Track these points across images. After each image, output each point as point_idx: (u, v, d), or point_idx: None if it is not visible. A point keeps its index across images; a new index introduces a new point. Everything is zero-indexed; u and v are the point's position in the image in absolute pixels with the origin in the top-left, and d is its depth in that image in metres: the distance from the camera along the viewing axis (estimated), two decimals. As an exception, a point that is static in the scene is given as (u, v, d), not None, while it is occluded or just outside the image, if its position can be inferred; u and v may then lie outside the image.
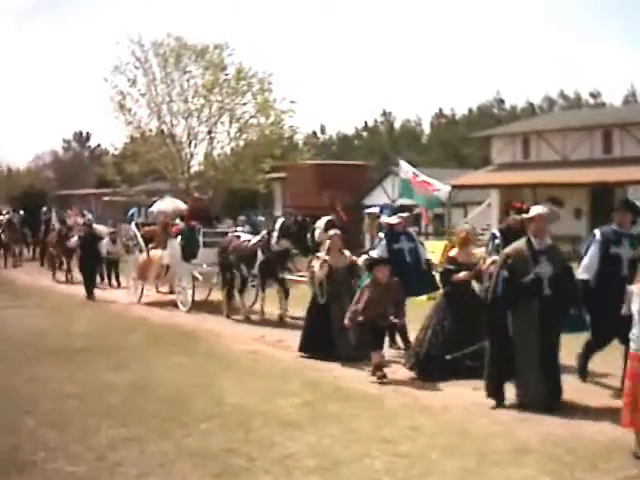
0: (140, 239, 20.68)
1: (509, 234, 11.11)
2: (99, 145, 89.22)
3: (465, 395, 9.65)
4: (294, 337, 14.29)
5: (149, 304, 19.64)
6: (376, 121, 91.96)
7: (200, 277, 18.50)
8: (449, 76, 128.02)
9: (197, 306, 18.07)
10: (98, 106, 35.94)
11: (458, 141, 74.64)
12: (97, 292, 21.68)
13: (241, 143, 36.47)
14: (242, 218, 35.66)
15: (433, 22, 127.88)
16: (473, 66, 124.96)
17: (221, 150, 37.03)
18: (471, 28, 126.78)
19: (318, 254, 12.94)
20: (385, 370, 10.81)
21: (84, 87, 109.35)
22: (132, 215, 23.17)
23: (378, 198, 47.63)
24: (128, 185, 39.61)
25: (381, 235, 13.63)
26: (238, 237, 17.60)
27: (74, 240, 23.84)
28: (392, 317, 10.92)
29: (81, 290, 21.43)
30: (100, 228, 25.93)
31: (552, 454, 7.22)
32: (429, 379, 10.51)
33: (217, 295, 19.06)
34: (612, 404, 8.87)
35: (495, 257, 10.37)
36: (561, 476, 6.67)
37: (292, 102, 35.62)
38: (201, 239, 18.41)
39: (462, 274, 10.93)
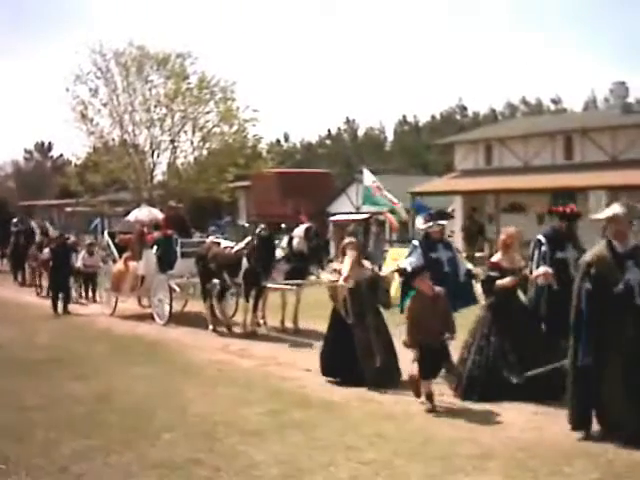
0: (114, 249, 20.13)
1: (556, 240, 10.40)
2: (61, 155, 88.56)
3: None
4: (258, 346, 14.33)
5: (118, 316, 19.35)
6: (339, 129, 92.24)
7: (177, 289, 17.90)
8: (412, 83, 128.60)
9: (174, 318, 17.51)
10: (60, 116, 35.56)
11: (421, 148, 75.06)
12: (73, 307, 20.87)
13: (204, 152, 36.42)
14: (213, 228, 35.50)
15: (395, 30, 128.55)
16: (436, 73, 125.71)
17: (184, 159, 36.95)
18: (434, 35, 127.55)
19: (334, 265, 11.73)
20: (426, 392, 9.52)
21: (45, 97, 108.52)
22: (95, 226, 22.88)
23: (342, 206, 47.72)
24: (91, 195, 39.35)
25: (415, 243, 12.16)
26: (218, 244, 17.04)
27: (46, 252, 22.92)
28: (444, 334, 9.50)
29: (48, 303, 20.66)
30: (71, 239, 25.02)
31: (516, 459, 7.26)
32: (474, 400, 9.57)
33: (193, 306, 18.83)
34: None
35: (546, 268, 9.82)
36: (525, 481, 6.70)
37: (255, 110, 35.65)
38: (178, 249, 17.89)
39: (506, 280, 9.89)
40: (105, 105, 35.61)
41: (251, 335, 15.59)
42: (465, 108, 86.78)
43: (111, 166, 35.54)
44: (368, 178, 17.71)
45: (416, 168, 69.69)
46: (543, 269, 9.84)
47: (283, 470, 7.11)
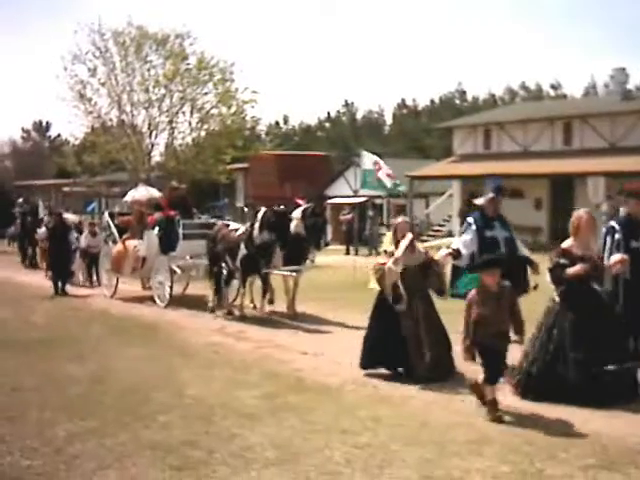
0: (114, 229, 19.75)
1: (631, 225, 9.54)
2: (59, 135, 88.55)
3: (425, 387, 9.63)
4: (254, 329, 14.31)
5: (117, 297, 19.28)
6: (339, 112, 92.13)
7: (179, 271, 17.57)
8: (412, 67, 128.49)
9: (174, 301, 17.33)
10: (58, 95, 35.33)
11: (420, 132, 74.97)
12: (73, 289, 20.74)
13: (202, 133, 36.31)
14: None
15: (396, 13, 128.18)
16: (435, 57, 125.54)
17: (182, 141, 36.86)
18: (434, 19, 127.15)
19: (384, 248, 10.47)
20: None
21: (44, 76, 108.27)
22: (93, 208, 22.69)
23: (340, 189, 47.68)
24: (88, 176, 39.28)
25: (469, 220, 11.03)
26: (227, 226, 16.73)
27: (42, 231, 22.36)
28: (512, 335, 8.40)
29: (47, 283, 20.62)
30: (71, 218, 24.41)
31: (511, 444, 7.24)
32: (530, 400, 8.70)
33: (195, 289, 18.71)
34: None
35: (621, 255, 9.05)
36: (520, 466, 6.68)
37: (254, 92, 35.53)
38: (180, 230, 17.52)
39: (577, 267, 8.71)
40: (103, 85, 35.50)
41: (246, 319, 15.44)
42: (464, 92, 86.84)
43: (109, 147, 35.45)
44: (368, 161, 17.56)
45: (414, 152, 69.62)
46: (619, 256, 9.07)
47: (278, 453, 7.09)
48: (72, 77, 35.25)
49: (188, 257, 17.72)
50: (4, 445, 7.41)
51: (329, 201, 43.01)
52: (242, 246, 15.40)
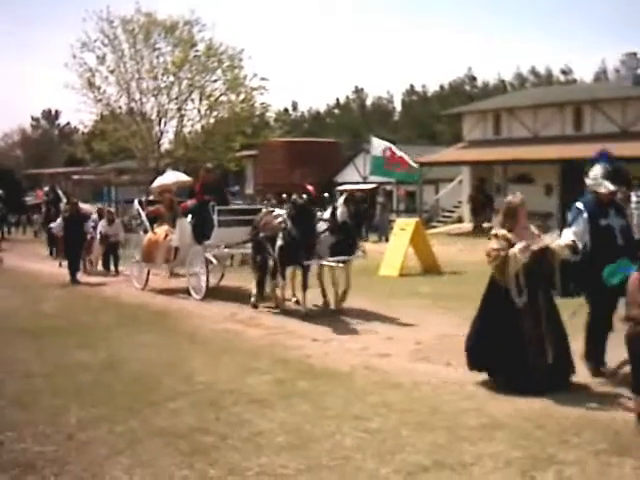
0: (144, 218, 18.69)
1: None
2: (68, 123, 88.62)
3: (435, 372, 9.65)
4: (265, 315, 14.30)
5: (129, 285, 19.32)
6: (348, 98, 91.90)
7: (214, 261, 16.74)
8: (421, 52, 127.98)
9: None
10: (67, 84, 35.32)
11: (429, 118, 74.68)
12: (92, 277, 20.72)
13: (211, 121, 36.27)
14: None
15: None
16: (445, 42, 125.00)
17: (191, 128, 36.83)
18: (443, 4, 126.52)
19: (496, 231, 9.06)
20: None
21: (53, 64, 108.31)
22: (104, 195, 22.48)
23: (350, 175, 47.64)
24: (98, 163, 39.32)
25: (579, 205, 9.41)
26: (271, 212, 15.64)
27: (57, 224, 21.30)
28: None
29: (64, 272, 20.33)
30: (86, 207, 23.98)
31: (522, 429, 7.23)
32: None
33: (230, 280, 18.15)
34: (582, 379, 8.92)
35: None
36: (531, 451, 6.66)
37: (263, 79, 35.47)
38: (215, 217, 16.32)
39: None
40: (112, 72, 35.48)
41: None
42: (474, 78, 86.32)
43: (118, 134, 35.46)
44: (378, 147, 17.46)
45: (424, 138, 69.44)
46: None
47: (289, 439, 7.09)
48: (81, 65, 35.26)
49: (223, 246, 16.72)
50: (16, 431, 7.43)
51: (339, 187, 42.89)
52: (280, 235, 14.40)
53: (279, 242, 14.37)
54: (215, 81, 35.22)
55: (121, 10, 36.35)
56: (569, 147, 34.45)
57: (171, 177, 19.46)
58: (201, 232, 16.57)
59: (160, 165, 34.84)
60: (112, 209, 25.50)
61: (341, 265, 14.64)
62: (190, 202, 17.38)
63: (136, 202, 19.62)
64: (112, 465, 6.56)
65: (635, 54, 39.58)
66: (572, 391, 8.51)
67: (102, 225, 22.69)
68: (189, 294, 16.69)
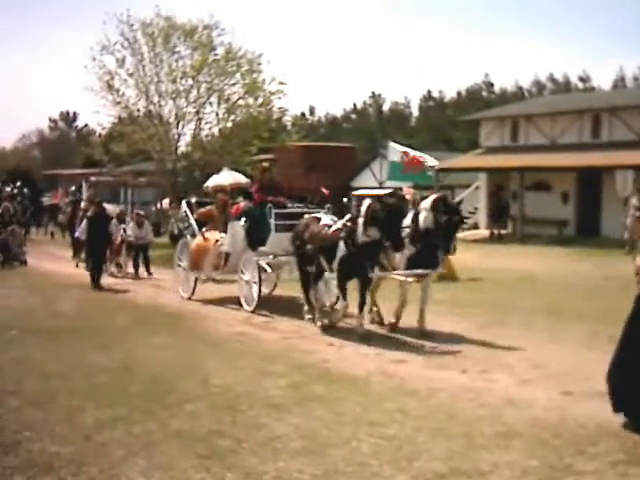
0: (193, 221, 17.40)
1: None
2: (86, 125, 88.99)
3: (451, 378, 9.63)
4: (280, 319, 14.29)
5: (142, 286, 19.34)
6: (365, 103, 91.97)
7: (269, 269, 15.36)
8: (438, 58, 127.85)
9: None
10: (86, 86, 35.43)
11: (446, 124, 74.64)
12: (118, 281, 20.39)
13: (229, 124, 36.29)
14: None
15: (423, 4, 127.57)
16: (462, 48, 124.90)
17: (209, 131, 36.86)
18: (460, 10, 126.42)
19: None
20: None
21: (71, 66, 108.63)
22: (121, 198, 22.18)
23: (366, 180, 47.63)
24: (115, 165, 39.44)
25: None
26: (318, 220, 13.87)
27: (82, 229, 20.68)
28: None
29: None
30: (110, 208, 23.39)
31: (539, 438, 7.20)
32: None
33: (283, 290, 16.84)
34: (599, 388, 8.88)
35: None
36: (548, 461, 6.63)
37: (281, 83, 35.44)
38: (273, 222, 15.09)
39: None
40: (131, 75, 35.52)
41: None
42: (492, 84, 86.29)
43: (136, 136, 35.51)
44: (395, 153, 17.41)
45: (441, 144, 69.35)
46: None
47: (305, 444, 7.09)
48: (101, 68, 35.32)
49: (279, 254, 15.31)
50: (34, 432, 7.46)
51: (354, 192, 42.87)
52: (341, 245, 12.67)
53: (341, 253, 12.63)
54: (234, 85, 35.21)
55: (141, 13, 36.59)
56: (587, 155, 34.33)
57: (227, 177, 18.05)
58: (256, 237, 15.33)
59: (177, 167, 34.92)
60: (142, 212, 24.78)
61: (411, 280, 13.01)
62: (244, 203, 16.10)
63: (184, 204, 18.29)
64: (129, 467, 6.56)
65: (654, 62, 39.38)
66: (589, 400, 8.48)
67: (131, 228, 22.38)
68: (240, 304, 15.54)
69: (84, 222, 20.63)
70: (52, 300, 16.70)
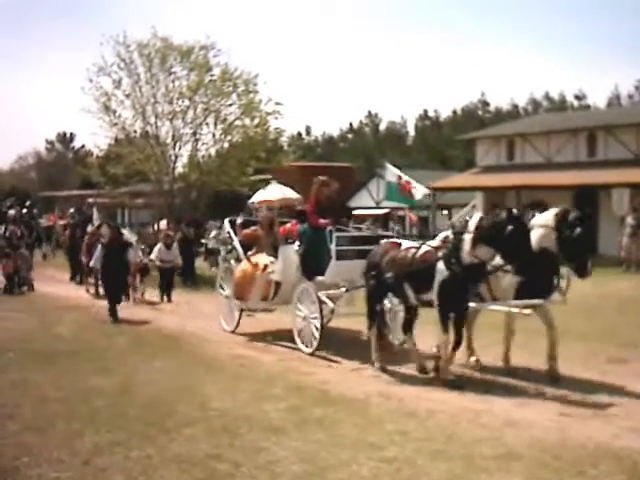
0: (237, 243, 15.35)
1: None
2: (83, 146, 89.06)
3: (450, 400, 9.63)
4: (279, 342, 14.23)
5: (139, 308, 19.22)
6: (361, 122, 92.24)
7: (330, 303, 12.95)
8: (434, 77, 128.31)
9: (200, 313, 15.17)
10: (83, 107, 35.49)
11: (442, 143, 74.90)
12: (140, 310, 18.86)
13: (226, 145, 36.35)
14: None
15: (418, 23, 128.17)
16: (458, 67, 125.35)
17: (206, 152, 36.90)
18: (456, 29, 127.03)
19: None
20: None
21: (69, 87, 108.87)
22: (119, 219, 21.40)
23: (363, 200, 47.69)
24: (112, 187, 39.43)
25: None
26: (399, 244, 11.80)
27: (97, 257, 18.56)
28: None
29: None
30: (126, 234, 21.11)
31: (540, 460, 7.19)
32: None
33: (339, 322, 14.63)
34: (599, 410, 8.89)
35: None
36: (549, 482, 6.64)
37: (278, 104, 35.53)
38: (333, 247, 12.90)
39: None
40: (128, 96, 35.55)
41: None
42: (487, 103, 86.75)
43: (133, 158, 35.54)
44: (392, 174, 17.39)
45: (437, 163, 69.57)
46: None
47: (305, 467, 7.07)
48: (97, 89, 35.38)
49: (340, 284, 13.28)
50: (32, 456, 7.44)
51: (352, 212, 42.94)
52: (440, 267, 10.58)
53: (441, 276, 10.55)
54: (230, 105, 35.28)
55: (138, 35, 36.46)
56: (583, 173, 34.43)
57: (277, 192, 16.10)
58: (314, 264, 13.26)
59: (174, 188, 34.95)
60: (171, 233, 23.49)
61: (528, 312, 10.70)
62: (298, 225, 14.18)
63: (227, 223, 16.26)
64: (128, 492, 6.55)
65: (649, 80, 39.59)
66: (589, 420, 8.48)
67: (158, 250, 21.29)
68: (293, 340, 13.44)
69: (99, 249, 18.64)
70: (51, 323, 16.62)
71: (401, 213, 42.75)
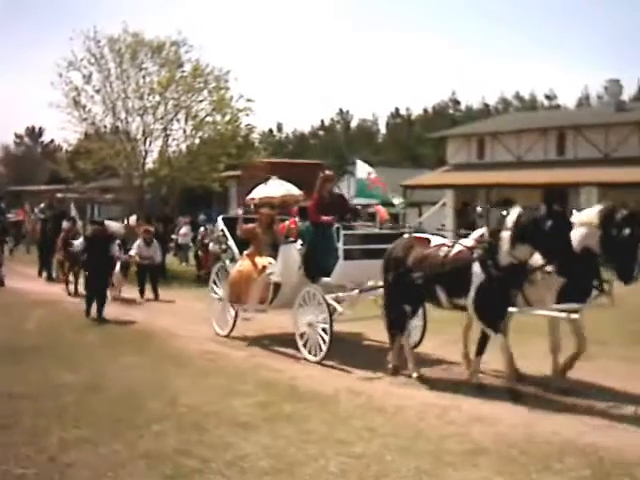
0: (232, 242, 14.41)
1: None
2: (52, 141, 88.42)
3: (418, 396, 9.67)
4: (249, 338, 14.21)
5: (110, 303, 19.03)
6: (333, 120, 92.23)
7: (339, 307, 12.02)
8: (405, 76, 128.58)
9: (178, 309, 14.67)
10: (52, 102, 35.20)
11: (413, 141, 75.11)
12: (121, 309, 18.12)
13: (197, 141, 36.23)
14: (203, 217, 34.66)
15: (389, 22, 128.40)
16: (429, 66, 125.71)
17: (176, 148, 36.75)
18: (427, 28, 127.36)
19: None
20: None
21: (37, 82, 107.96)
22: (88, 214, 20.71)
23: (334, 197, 47.55)
24: (81, 182, 39.18)
25: None
26: (427, 240, 10.80)
27: (78, 242, 18.03)
28: None
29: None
30: (114, 226, 20.61)
31: (506, 455, 7.24)
32: None
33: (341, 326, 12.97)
34: (567, 404, 8.95)
35: None
36: (516, 477, 6.69)
37: (249, 100, 35.46)
38: (341, 245, 12.03)
39: None
40: (98, 92, 35.28)
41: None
42: (458, 102, 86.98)
43: (102, 153, 35.32)
44: (362, 170, 17.40)
45: (408, 161, 69.74)
46: None
47: (273, 463, 7.07)
48: (67, 84, 35.09)
49: (349, 287, 12.37)
50: (-2, 453, 7.38)
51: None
52: (476, 268, 9.66)
53: (478, 279, 9.59)
54: (201, 101, 35.15)
55: (108, 30, 36.27)
56: (552, 172, 34.73)
57: (278, 188, 15.41)
58: (317, 265, 12.43)
59: (144, 184, 34.77)
60: (151, 228, 22.32)
61: (576, 316, 9.84)
62: (299, 222, 13.59)
63: (220, 220, 15.34)
64: (95, 488, 6.52)
65: (618, 81, 40.03)
66: (556, 415, 8.54)
67: (138, 246, 20.71)
68: (296, 347, 12.40)
69: (81, 239, 18.16)
70: (20, 318, 16.44)
71: (371, 210, 42.80)
